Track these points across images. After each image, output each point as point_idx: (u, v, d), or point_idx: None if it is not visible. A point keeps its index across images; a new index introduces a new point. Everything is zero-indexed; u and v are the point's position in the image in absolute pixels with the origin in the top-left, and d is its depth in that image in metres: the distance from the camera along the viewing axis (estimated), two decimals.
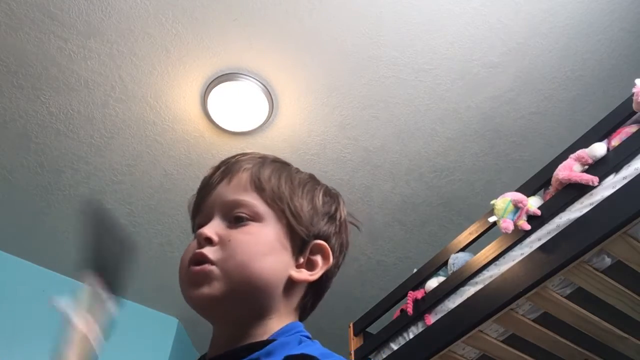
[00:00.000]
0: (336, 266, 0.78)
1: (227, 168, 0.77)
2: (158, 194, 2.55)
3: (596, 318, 1.62)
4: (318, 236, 0.75)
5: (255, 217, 0.72)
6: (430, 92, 2.24)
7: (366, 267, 2.89)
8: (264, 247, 0.70)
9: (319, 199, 0.77)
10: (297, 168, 0.80)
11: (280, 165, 0.78)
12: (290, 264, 0.72)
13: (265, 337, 0.68)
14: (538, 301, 1.61)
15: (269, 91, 2.21)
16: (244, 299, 0.69)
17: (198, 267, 0.69)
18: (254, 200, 0.73)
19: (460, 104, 2.28)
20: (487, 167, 2.49)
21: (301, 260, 0.73)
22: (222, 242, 0.70)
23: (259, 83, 2.19)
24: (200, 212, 0.76)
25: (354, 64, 2.15)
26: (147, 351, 2.86)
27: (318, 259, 0.74)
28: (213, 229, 0.71)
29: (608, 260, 1.49)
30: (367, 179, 2.53)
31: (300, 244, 0.74)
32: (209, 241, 0.70)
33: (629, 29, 2.07)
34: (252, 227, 0.71)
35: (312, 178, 0.80)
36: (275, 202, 0.73)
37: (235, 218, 0.72)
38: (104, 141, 2.36)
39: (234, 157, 0.79)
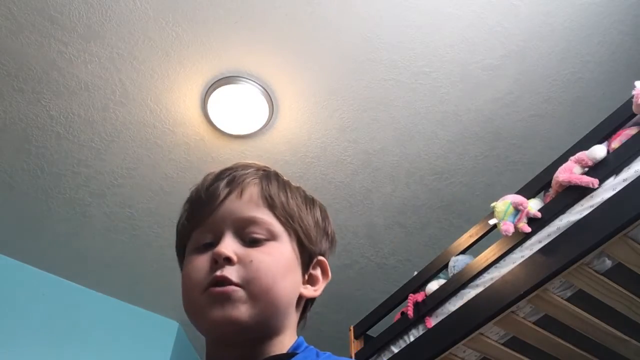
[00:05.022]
0: None
1: (232, 180, 0.73)
2: (158, 197, 2.55)
3: (597, 320, 1.61)
4: (320, 253, 0.77)
5: (271, 236, 0.70)
6: (430, 94, 2.24)
7: (366, 269, 2.88)
8: (284, 268, 0.69)
9: (319, 215, 0.78)
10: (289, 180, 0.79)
11: (282, 179, 0.77)
12: (300, 281, 0.73)
13: (281, 352, 0.68)
14: (539, 304, 1.60)
15: (269, 94, 2.21)
16: (267, 321, 0.67)
17: (221, 289, 0.65)
18: (268, 219, 0.71)
19: (460, 106, 2.28)
20: (487, 170, 2.49)
21: (306, 276, 0.74)
22: (243, 263, 0.66)
23: (259, 86, 2.19)
24: (200, 225, 0.72)
25: (353, 66, 2.16)
26: (147, 354, 2.86)
27: (318, 274, 0.76)
28: (230, 247, 0.67)
29: (608, 263, 1.49)
30: (367, 181, 2.53)
31: (308, 261, 0.74)
32: (228, 261, 0.66)
33: (628, 32, 2.07)
34: (271, 247, 0.69)
35: (305, 192, 0.79)
36: (288, 221, 0.72)
37: (251, 237, 0.69)
38: (104, 144, 2.36)
39: (235, 167, 0.76)
